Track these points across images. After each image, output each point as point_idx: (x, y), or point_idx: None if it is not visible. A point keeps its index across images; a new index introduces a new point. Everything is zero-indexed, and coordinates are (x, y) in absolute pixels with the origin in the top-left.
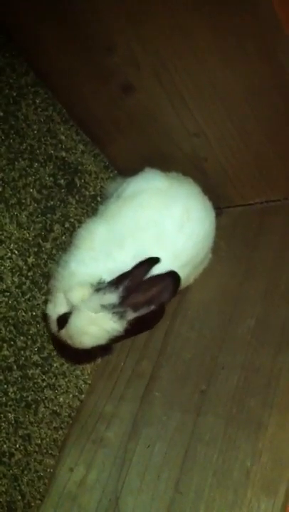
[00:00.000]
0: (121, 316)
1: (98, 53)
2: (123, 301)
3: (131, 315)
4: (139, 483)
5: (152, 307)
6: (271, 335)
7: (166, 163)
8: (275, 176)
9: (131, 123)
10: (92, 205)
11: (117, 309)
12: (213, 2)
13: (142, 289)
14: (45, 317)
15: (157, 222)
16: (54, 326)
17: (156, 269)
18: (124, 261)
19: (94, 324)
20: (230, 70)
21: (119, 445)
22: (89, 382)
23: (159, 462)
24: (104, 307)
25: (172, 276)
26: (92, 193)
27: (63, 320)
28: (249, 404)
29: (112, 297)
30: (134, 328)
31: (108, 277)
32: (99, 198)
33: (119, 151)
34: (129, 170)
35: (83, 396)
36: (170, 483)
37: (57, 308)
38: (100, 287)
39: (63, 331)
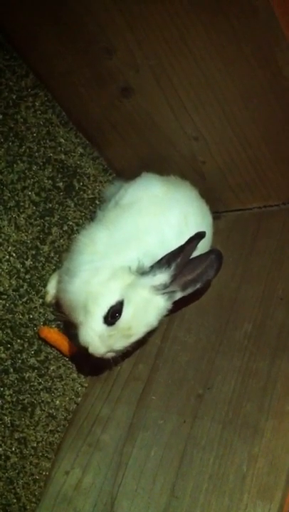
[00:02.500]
0: (170, 296)
1: (97, 56)
2: (174, 280)
3: (179, 295)
4: (135, 487)
5: (198, 285)
6: (268, 339)
7: (165, 166)
8: (273, 180)
9: (130, 126)
10: (91, 208)
11: (168, 289)
12: (212, 5)
13: (188, 269)
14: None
15: (157, 229)
16: (100, 326)
17: None
18: (130, 258)
19: (150, 307)
20: (229, 74)
21: (115, 448)
22: (85, 385)
23: (155, 466)
24: (155, 288)
25: (216, 253)
26: (91, 196)
27: (114, 312)
28: (245, 409)
29: (164, 277)
30: (178, 305)
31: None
32: (97, 201)
33: (118, 153)
34: (127, 173)
35: (79, 399)
36: (166, 487)
37: (101, 302)
38: (144, 271)
39: (122, 319)
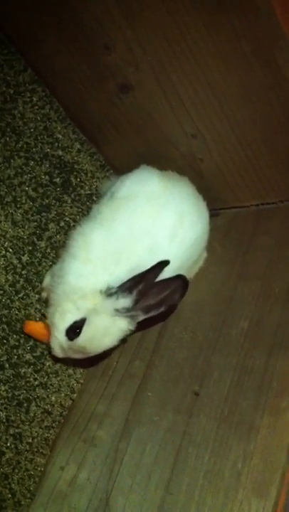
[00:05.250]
0: (132, 317)
1: (96, 52)
2: (136, 304)
3: (141, 317)
4: (130, 483)
5: (162, 309)
6: (264, 337)
7: (163, 163)
8: (271, 178)
9: (128, 122)
10: (88, 204)
11: (130, 313)
12: (212, 3)
13: (153, 292)
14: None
15: (150, 232)
16: (62, 337)
17: None
18: (120, 275)
19: (112, 327)
20: (228, 72)
21: (111, 445)
22: (81, 381)
23: (150, 462)
24: (118, 311)
25: (181, 279)
26: (88, 192)
27: (76, 328)
28: (241, 406)
29: (126, 301)
30: (144, 325)
31: (114, 284)
32: (94, 197)
33: (116, 150)
34: (125, 169)
35: (75, 395)
36: (161, 483)
37: (66, 318)
38: (111, 292)
39: (79, 339)
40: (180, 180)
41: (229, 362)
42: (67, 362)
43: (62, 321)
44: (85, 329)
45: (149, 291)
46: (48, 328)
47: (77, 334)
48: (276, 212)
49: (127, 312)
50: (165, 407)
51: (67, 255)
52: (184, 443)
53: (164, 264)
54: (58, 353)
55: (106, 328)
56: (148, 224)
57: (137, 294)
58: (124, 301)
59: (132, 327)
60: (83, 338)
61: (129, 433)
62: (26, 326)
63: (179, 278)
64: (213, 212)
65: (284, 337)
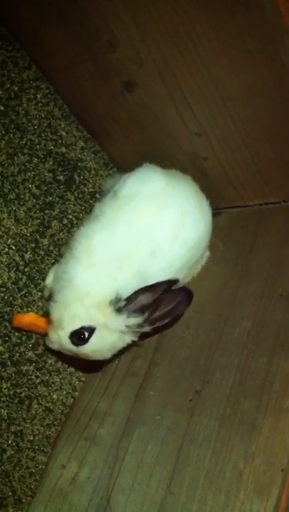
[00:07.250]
0: (138, 332)
1: (100, 49)
2: (146, 321)
3: (147, 329)
4: (131, 482)
5: (167, 320)
6: (267, 337)
7: (166, 161)
8: (275, 178)
9: (131, 120)
10: (91, 202)
11: (141, 328)
12: (218, 0)
13: (159, 305)
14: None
15: (152, 232)
16: (65, 338)
17: (152, 279)
18: (125, 280)
19: (118, 341)
20: (233, 70)
21: (112, 443)
22: (83, 379)
23: (151, 461)
24: (129, 327)
25: (186, 292)
26: (91, 189)
27: (80, 334)
28: (243, 406)
29: (137, 320)
30: (147, 334)
31: (121, 293)
32: (98, 195)
33: (120, 148)
34: (128, 167)
35: (77, 393)
36: (162, 483)
37: (75, 321)
38: (120, 306)
39: (84, 347)
40: (183, 179)
41: (231, 362)
42: (67, 360)
43: (70, 324)
44: (93, 340)
45: (156, 305)
46: (47, 320)
47: (82, 340)
48: (279, 211)
49: (138, 328)
50: (167, 406)
51: (70, 257)
52: (185, 442)
53: (172, 282)
54: (54, 346)
55: (113, 343)
56: (150, 223)
57: (149, 314)
58: (136, 320)
59: (135, 339)
60: (88, 348)
61: (131, 432)
62: (14, 319)
63: (184, 290)
64: (216, 211)
65: (287, 337)
